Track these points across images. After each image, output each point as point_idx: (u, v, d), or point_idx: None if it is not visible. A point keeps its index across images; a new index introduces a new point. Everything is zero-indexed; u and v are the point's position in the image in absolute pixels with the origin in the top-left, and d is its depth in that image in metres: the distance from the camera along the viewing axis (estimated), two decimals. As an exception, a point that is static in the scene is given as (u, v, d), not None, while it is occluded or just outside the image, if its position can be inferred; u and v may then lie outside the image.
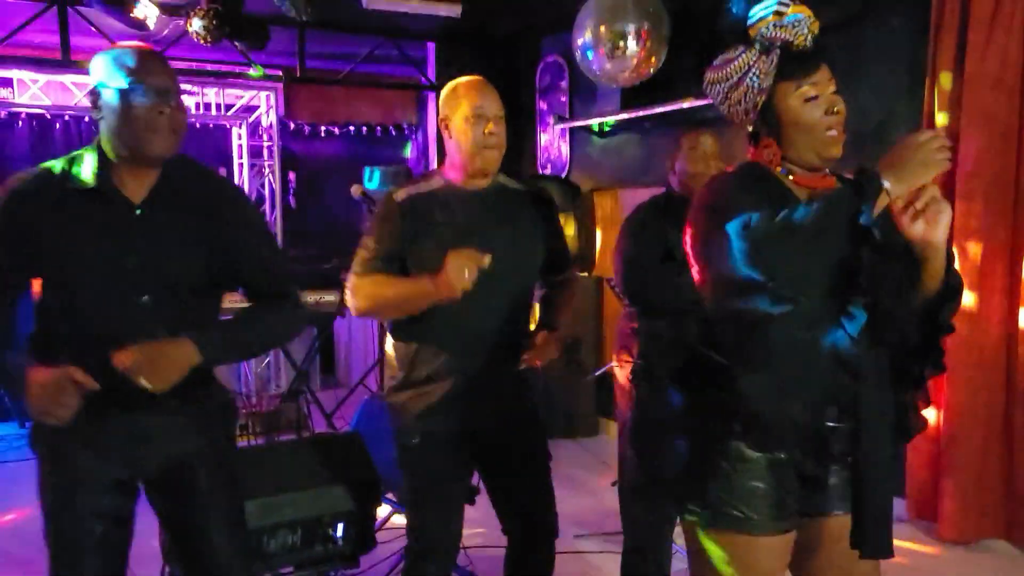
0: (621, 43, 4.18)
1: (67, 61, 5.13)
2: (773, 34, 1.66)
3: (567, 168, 5.93)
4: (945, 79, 3.67)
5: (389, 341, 2.37)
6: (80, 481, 1.89)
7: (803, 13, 1.67)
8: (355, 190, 3.10)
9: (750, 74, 1.67)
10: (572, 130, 5.85)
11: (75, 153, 1.91)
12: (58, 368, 1.71)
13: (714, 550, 1.73)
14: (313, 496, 2.51)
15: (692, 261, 1.79)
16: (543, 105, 6.07)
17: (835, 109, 1.68)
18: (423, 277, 2.12)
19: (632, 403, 2.85)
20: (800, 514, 1.76)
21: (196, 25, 4.41)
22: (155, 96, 1.78)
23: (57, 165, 1.88)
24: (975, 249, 3.58)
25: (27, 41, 5.39)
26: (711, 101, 1.80)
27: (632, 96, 5.01)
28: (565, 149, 5.96)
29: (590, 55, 4.27)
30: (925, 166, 1.50)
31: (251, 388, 6.27)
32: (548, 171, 6.05)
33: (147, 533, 2.10)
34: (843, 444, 1.72)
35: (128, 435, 1.89)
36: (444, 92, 2.32)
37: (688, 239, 1.79)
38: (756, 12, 1.69)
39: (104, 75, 1.80)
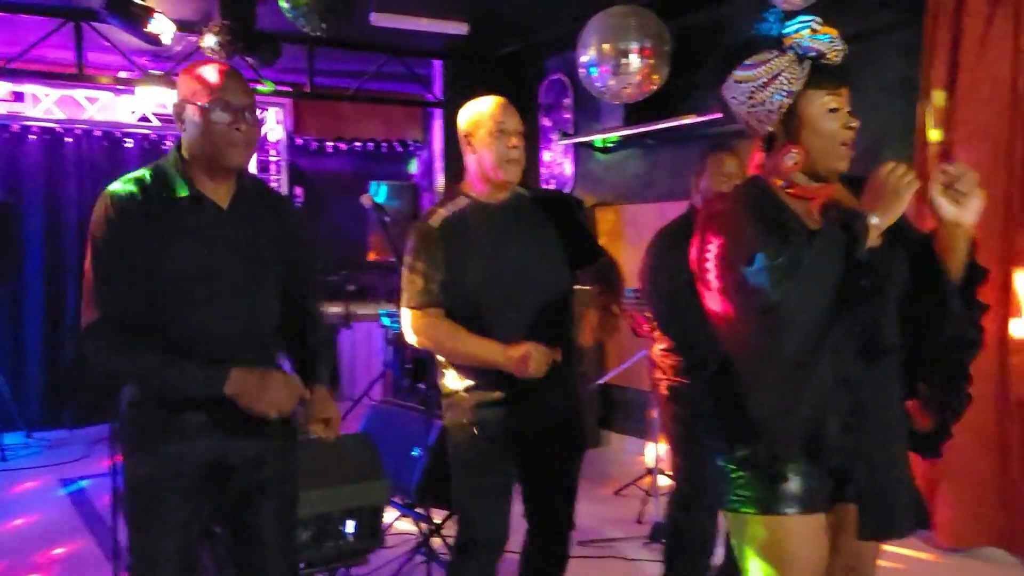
0: (624, 60, 4.28)
1: (82, 76, 5.25)
2: (810, 44, 1.75)
3: (571, 184, 6.04)
4: (938, 97, 3.77)
5: None
6: (171, 466, 1.97)
7: (834, 35, 1.78)
8: (365, 199, 3.18)
9: (780, 77, 1.75)
10: (576, 146, 5.96)
11: (154, 165, 2.04)
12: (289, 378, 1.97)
13: (753, 537, 1.81)
14: (324, 494, 2.59)
15: (700, 283, 1.86)
16: (547, 122, 6.19)
17: (851, 125, 1.78)
18: (495, 347, 2.29)
19: (673, 418, 3.02)
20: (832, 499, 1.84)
21: (210, 41, 4.53)
22: (234, 113, 1.93)
23: (144, 175, 2.00)
24: (969, 262, 3.67)
25: (41, 56, 5.52)
26: (733, 102, 1.84)
27: (635, 113, 5.12)
28: (568, 165, 6.07)
29: (593, 72, 4.38)
30: (898, 194, 1.65)
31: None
32: (552, 186, 6.15)
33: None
34: (846, 454, 1.79)
35: (214, 421, 1.98)
36: (467, 110, 2.45)
37: (694, 262, 1.85)
38: (794, 24, 1.78)
39: (188, 92, 1.95)
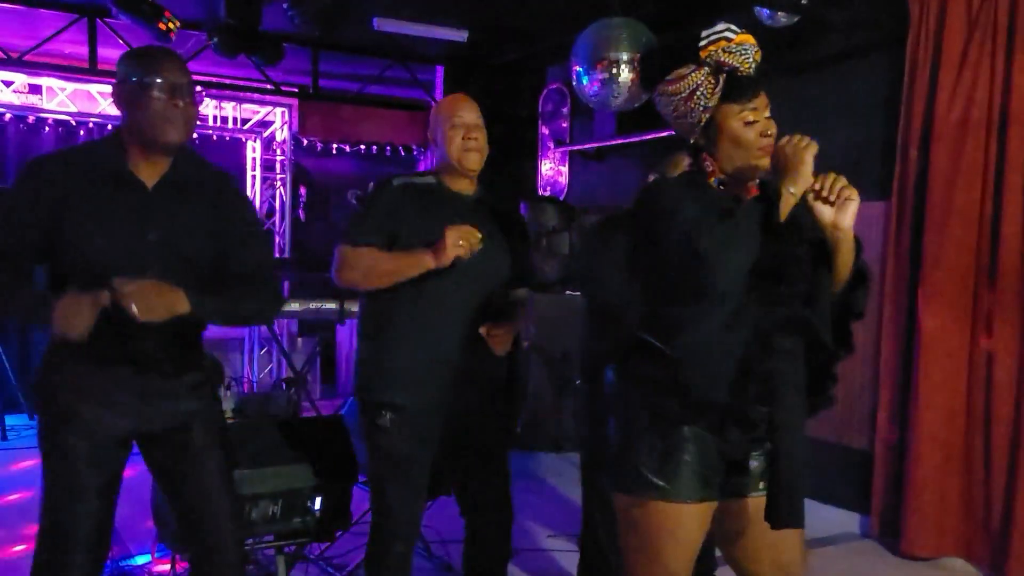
0: (614, 70, 4.39)
1: (94, 70, 5.42)
2: (722, 58, 1.83)
3: (565, 191, 6.16)
4: (918, 115, 3.87)
5: (361, 320, 2.55)
6: (87, 433, 2.05)
7: (749, 43, 1.86)
8: (351, 195, 3.32)
9: (698, 92, 1.84)
10: (571, 154, 6.08)
11: (96, 139, 2.14)
12: (79, 294, 1.90)
13: (641, 519, 1.90)
14: (294, 470, 2.69)
15: (635, 259, 1.98)
16: (545, 130, 6.31)
17: (768, 132, 1.87)
18: (418, 250, 2.34)
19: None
20: (725, 494, 1.94)
21: (214, 39, 4.69)
22: (170, 90, 1.99)
23: (77, 149, 2.11)
24: (940, 276, 3.75)
25: (57, 51, 5.70)
26: (663, 112, 1.96)
27: (627, 122, 5.24)
28: (564, 172, 6.19)
29: (584, 81, 4.49)
30: (800, 159, 1.76)
31: (247, 374, 6.48)
32: (547, 193, 6.27)
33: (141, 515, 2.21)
34: (762, 421, 1.88)
35: (138, 392, 2.08)
36: (431, 112, 2.60)
37: (632, 241, 1.98)
38: (708, 35, 1.86)
39: (127, 70, 2.03)
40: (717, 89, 1.84)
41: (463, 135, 2.45)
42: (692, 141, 1.95)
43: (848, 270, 1.84)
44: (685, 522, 1.88)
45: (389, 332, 2.44)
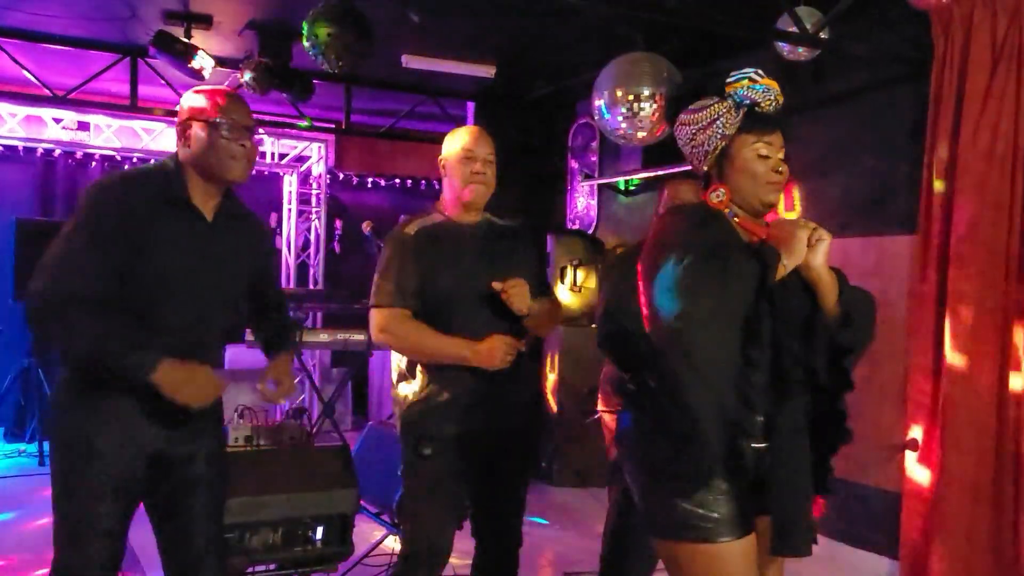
0: (636, 105, 4.41)
1: (135, 107, 5.62)
2: (746, 93, 1.91)
3: (594, 225, 6.16)
4: (942, 148, 3.79)
5: (399, 359, 2.60)
6: (107, 470, 2.07)
7: (773, 86, 1.94)
8: (365, 226, 3.37)
9: (718, 121, 1.91)
10: (600, 188, 6.09)
11: (152, 166, 2.21)
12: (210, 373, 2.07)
13: (686, 563, 1.89)
14: (295, 499, 2.72)
15: (641, 292, 1.98)
16: (574, 164, 6.34)
17: (779, 169, 1.93)
18: (464, 344, 2.42)
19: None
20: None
21: (247, 77, 4.83)
22: (239, 131, 2.12)
23: (148, 171, 2.18)
24: (967, 313, 3.65)
25: (104, 89, 5.93)
26: (679, 142, 2.03)
27: (653, 155, 5.24)
28: (593, 207, 6.19)
29: (607, 115, 4.52)
30: (793, 232, 1.83)
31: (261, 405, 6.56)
32: (576, 227, 6.28)
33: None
34: (760, 461, 1.87)
35: (159, 420, 2.11)
36: (445, 139, 2.63)
37: (639, 271, 1.98)
38: (735, 74, 1.95)
39: (195, 110, 2.13)
40: (736, 120, 1.91)
41: (472, 169, 2.50)
42: (705, 169, 1.99)
43: (832, 306, 1.87)
44: (731, 563, 1.86)
45: (426, 371, 2.51)
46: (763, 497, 1.89)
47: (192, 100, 2.16)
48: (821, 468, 1.91)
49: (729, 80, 1.93)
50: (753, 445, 1.86)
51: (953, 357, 3.67)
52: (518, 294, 2.41)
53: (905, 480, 3.90)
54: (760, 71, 1.93)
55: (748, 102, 1.90)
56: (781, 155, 1.94)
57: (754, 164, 1.91)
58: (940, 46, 3.81)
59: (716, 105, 1.92)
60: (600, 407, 3.16)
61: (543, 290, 2.68)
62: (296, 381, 7.21)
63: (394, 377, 2.61)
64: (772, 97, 1.91)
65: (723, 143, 1.92)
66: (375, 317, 2.50)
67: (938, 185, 3.82)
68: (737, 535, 1.86)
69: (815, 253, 1.82)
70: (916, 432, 3.87)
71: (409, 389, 2.55)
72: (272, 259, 2.54)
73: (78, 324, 1.98)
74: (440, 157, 2.60)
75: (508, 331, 2.48)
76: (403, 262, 2.49)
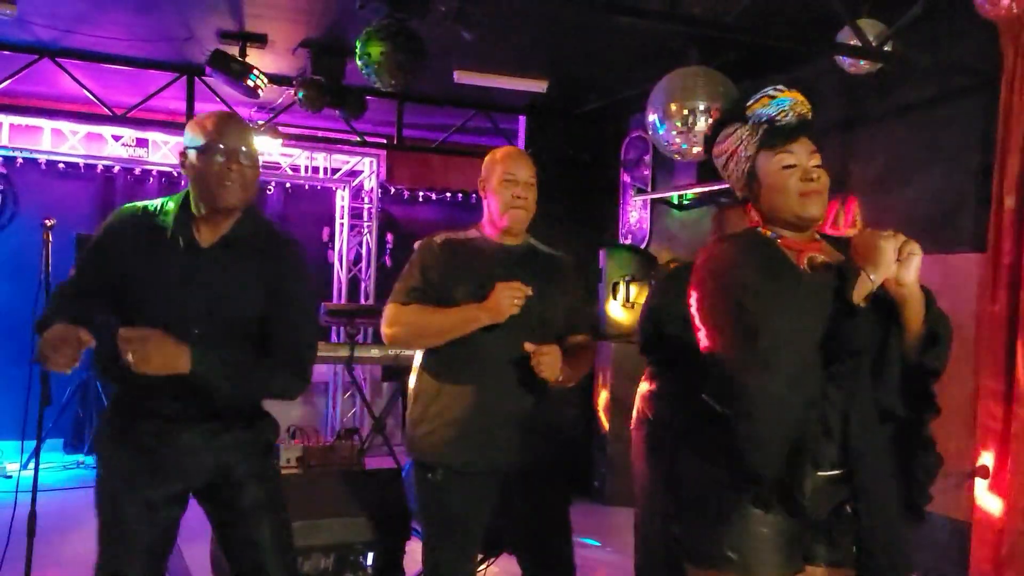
0: (690, 120, 4.34)
1: (191, 125, 5.71)
2: (763, 111, 1.86)
3: (647, 239, 6.08)
4: (1012, 162, 3.65)
5: (413, 377, 2.54)
6: (133, 488, 2.11)
7: (793, 97, 1.87)
8: (416, 245, 3.35)
9: (741, 144, 1.88)
10: (653, 202, 6.01)
11: (167, 199, 2.22)
12: (70, 326, 1.95)
13: None
14: (347, 524, 2.70)
15: (697, 324, 1.92)
16: (627, 178, 6.27)
17: (812, 177, 1.85)
18: (470, 305, 2.32)
19: (647, 467, 2.92)
20: (805, 560, 1.83)
21: (300, 94, 4.88)
22: (227, 155, 2.06)
23: (152, 205, 2.20)
24: (1039, 334, 3.50)
25: (162, 107, 6.05)
26: (721, 174, 1.98)
27: (707, 170, 5.14)
28: (646, 221, 6.11)
29: (661, 130, 4.45)
30: (875, 245, 1.69)
31: (330, 418, 6.61)
32: (628, 241, 6.21)
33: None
34: (840, 496, 1.79)
35: (177, 447, 2.11)
36: (486, 159, 2.56)
37: (693, 302, 1.93)
38: (753, 96, 1.90)
39: (189, 137, 2.11)
40: (756, 139, 1.87)
41: (513, 192, 2.43)
42: (741, 196, 1.95)
43: (919, 326, 1.77)
44: None
45: (439, 390, 2.42)
46: (831, 533, 1.81)
47: (187, 128, 2.13)
48: (917, 497, 1.83)
49: (748, 102, 1.89)
50: (821, 474, 1.78)
51: (1026, 380, 3.52)
52: (548, 363, 2.29)
53: (975, 509, 3.74)
54: (780, 86, 1.88)
55: (765, 119, 1.86)
56: (813, 162, 1.86)
57: (780, 177, 1.85)
58: (1009, 57, 3.67)
59: (739, 131, 1.89)
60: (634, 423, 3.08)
61: (580, 326, 2.57)
62: (347, 396, 7.27)
63: (409, 399, 2.53)
64: (788, 107, 1.85)
65: (748, 164, 1.88)
66: (387, 313, 2.42)
67: (1008, 201, 3.67)
68: (785, 572, 1.77)
69: (907, 268, 1.69)
70: (987, 459, 3.71)
71: (416, 410, 2.46)
72: (292, 287, 2.16)
73: (54, 303, 2.15)
74: (480, 179, 2.53)
75: (528, 372, 2.33)
76: (422, 267, 2.44)
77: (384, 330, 2.43)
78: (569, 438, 2.61)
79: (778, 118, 1.84)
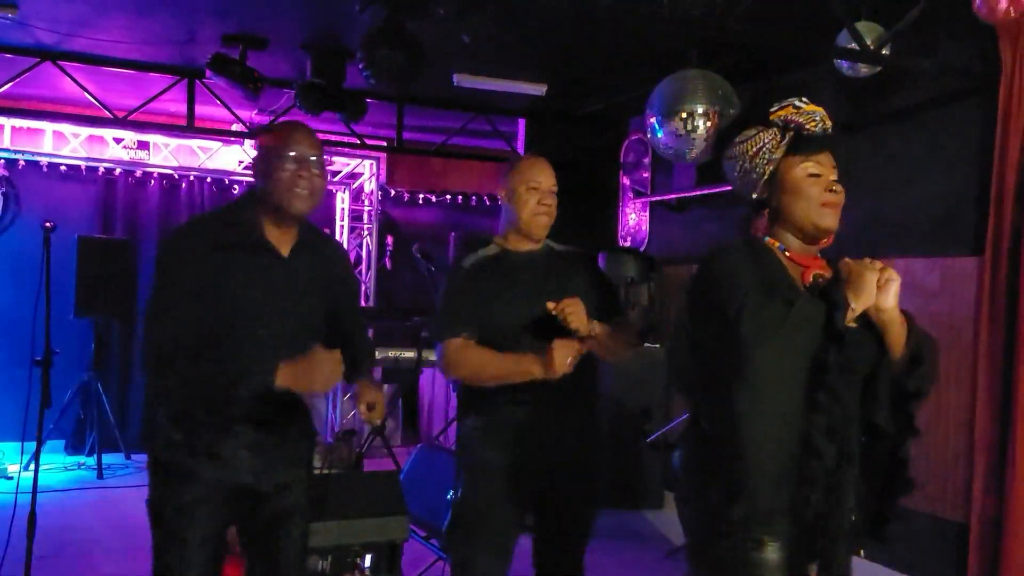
0: (690, 123, 4.35)
1: (192, 127, 5.74)
2: (791, 118, 1.89)
3: (646, 241, 6.08)
4: (1011, 166, 3.65)
5: (459, 391, 2.61)
6: (204, 488, 2.14)
7: (818, 111, 1.91)
8: (415, 248, 3.38)
9: (765, 147, 1.90)
10: (652, 205, 6.02)
11: (227, 206, 2.27)
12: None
13: None
14: (346, 526, 2.70)
15: (689, 327, 1.93)
16: (626, 181, 6.28)
17: (833, 188, 1.87)
18: (526, 357, 2.39)
19: None
20: None
21: (300, 97, 4.89)
22: (298, 163, 2.12)
23: (212, 215, 2.24)
24: (1039, 338, 3.50)
25: (163, 109, 6.07)
26: (729, 176, 2.00)
27: (707, 173, 5.15)
28: (645, 223, 6.12)
29: (659, 133, 4.46)
30: (861, 274, 1.73)
31: (331, 419, 6.62)
32: (628, 244, 6.21)
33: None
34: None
35: (255, 451, 2.17)
36: (508, 167, 2.62)
37: (687, 310, 1.93)
38: (778, 104, 1.93)
39: (261, 146, 2.18)
40: (783, 144, 1.89)
41: (538, 199, 2.50)
42: (755, 196, 1.95)
43: (900, 349, 1.80)
44: None
45: (479, 395, 2.50)
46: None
47: (260, 138, 2.21)
48: (879, 516, 1.84)
49: (773, 109, 1.92)
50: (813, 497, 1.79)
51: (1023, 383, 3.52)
52: (574, 312, 2.36)
53: (974, 512, 3.75)
54: (805, 98, 1.91)
55: (793, 126, 1.88)
56: (834, 176, 1.89)
57: (804, 184, 1.86)
58: (1007, 61, 3.67)
59: (761, 133, 1.91)
60: None
61: (611, 313, 2.61)
62: (346, 397, 7.27)
63: (461, 413, 2.61)
64: (818, 120, 1.88)
65: (771, 167, 1.89)
66: (442, 352, 2.51)
67: (1007, 205, 3.67)
68: None
69: (886, 295, 1.74)
70: (985, 462, 3.71)
71: (467, 422, 2.55)
72: (351, 284, 2.51)
73: (187, 377, 2.08)
74: (504, 188, 2.58)
75: (571, 381, 2.41)
76: (457, 295, 2.52)
77: (445, 371, 2.53)
78: (593, 444, 2.64)
79: (808, 127, 1.88)
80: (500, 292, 2.48)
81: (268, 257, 2.16)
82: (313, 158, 2.14)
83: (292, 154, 2.11)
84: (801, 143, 1.88)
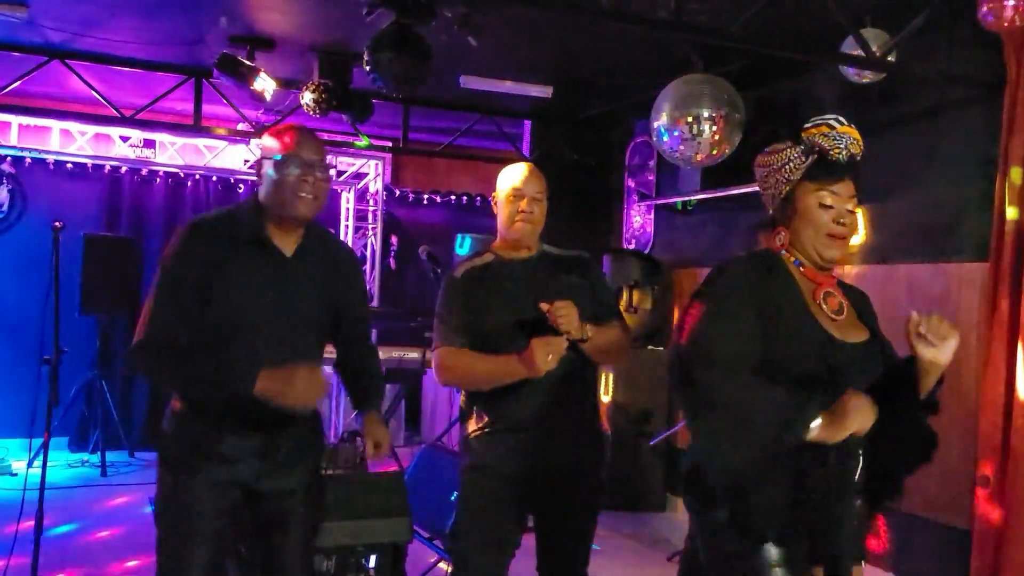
0: (695, 127, 4.35)
1: (198, 126, 5.75)
2: (816, 140, 1.88)
3: (650, 244, 6.09)
4: (1015, 174, 3.66)
5: (461, 395, 2.66)
6: (211, 486, 2.16)
7: (851, 134, 1.89)
8: (422, 251, 3.39)
9: (787, 166, 1.91)
10: (657, 208, 6.03)
11: (237, 206, 2.28)
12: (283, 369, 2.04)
13: None
14: (350, 527, 2.71)
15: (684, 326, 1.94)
16: (631, 183, 6.28)
17: (843, 221, 1.89)
18: (511, 357, 2.40)
19: None
20: None
21: (307, 98, 4.91)
22: (303, 167, 2.13)
23: (223, 215, 2.24)
24: (1043, 346, 3.51)
25: (169, 108, 6.08)
26: (757, 182, 2.02)
27: (712, 177, 5.16)
28: (650, 226, 6.13)
29: (665, 137, 4.47)
30: (857, 421, 1.73)
31: (333, 420, 6.63)
32: (632, 246, 6.22)
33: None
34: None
35: (261, 453, 2.19)
36: (499, 175, 2.63)
37: (690, 309, 1.94)
38: (815, 119, 1.93)
39: (266, 149, 2.18)
40: (803, 166, 1.89)
41: (518, 207, 2.51)
42: (771, 212, 1.99)
43: (927, 392, 1.88)
44: None
45: (481, 397, 2.53)
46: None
47: (264, 140, 2.21)
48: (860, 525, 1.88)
49: (807, 125, 1.91)
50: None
51: (1026, 391, 3.53)
52: (565, 314, 2.37)
53: (976, 517, 3.75)
54: (842, 119, 1.89)
55: (817, 149, 1.88)
56: (849, 206, 1.90)
57: (815, 213, 1.89)
58: (1012, 68, 3.69)
59: (788, 150, 1.91)
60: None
61: (607, 316, 2.62)
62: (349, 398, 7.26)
63: (465, 415, 2.63)
64: (844, 146, 1.86)
65: (787, 188, 1.91)
66: (434, 359, 2.55)
67: (1011, 212, 3.68)
68: None
69: (944, 351, 1.80)
70: (988, 468, 3.72)
71: (470, 425, 2.57)
72: (358, 285, 2.47)
73: (171, 370, 2.12)
74: (493, 193, 2.63)
75: (566, 376, 2.45)
76: (452, 304, 2.55)
77: (437, 376, 2.56)
78: (595, 446, 2.67)
79: (831, 153, 1.87)
80: (490, 301, 2.51)
81: (271, 257, 2.17)
82: (317, 162, 2.15)
83: (296, 158, 2.12)
84: (821, 170, 1.88)
